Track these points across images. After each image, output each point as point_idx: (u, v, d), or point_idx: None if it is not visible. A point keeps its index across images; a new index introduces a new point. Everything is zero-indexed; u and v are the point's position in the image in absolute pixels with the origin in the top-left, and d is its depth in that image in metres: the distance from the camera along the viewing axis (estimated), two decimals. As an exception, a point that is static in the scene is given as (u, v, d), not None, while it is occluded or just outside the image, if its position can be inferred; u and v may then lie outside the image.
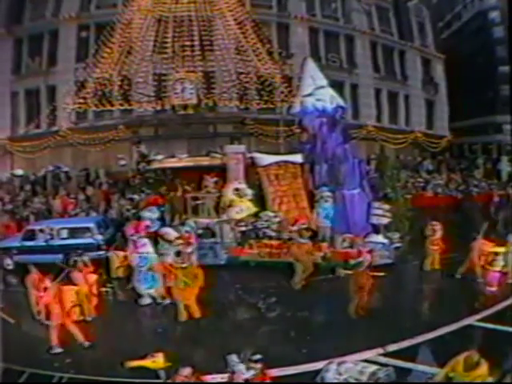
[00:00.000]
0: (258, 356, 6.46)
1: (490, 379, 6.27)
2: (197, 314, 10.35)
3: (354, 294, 10.37)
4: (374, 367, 5.92)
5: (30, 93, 30.06)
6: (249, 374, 6.34)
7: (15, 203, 21.55)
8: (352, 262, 10.80)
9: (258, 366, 6.41)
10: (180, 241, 11.95)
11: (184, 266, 10.53)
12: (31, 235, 15.12)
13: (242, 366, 6.34)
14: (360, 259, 10.58)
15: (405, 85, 34.63)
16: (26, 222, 18.27)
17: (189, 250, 11.36)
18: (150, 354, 6.68)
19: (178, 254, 10.80)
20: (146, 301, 11.62)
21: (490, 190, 24.27)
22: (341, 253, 13.56)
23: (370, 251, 11.29)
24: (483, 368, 6.21)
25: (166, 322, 10.67)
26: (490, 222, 14.57)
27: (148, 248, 11.83)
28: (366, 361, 8.14)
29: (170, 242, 12.34)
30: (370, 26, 33.34)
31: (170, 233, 12.93)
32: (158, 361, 7.15)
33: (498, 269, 10.22)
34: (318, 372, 6.75)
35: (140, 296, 11.66)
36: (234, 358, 6.54)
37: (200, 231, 14.45)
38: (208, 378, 7.13)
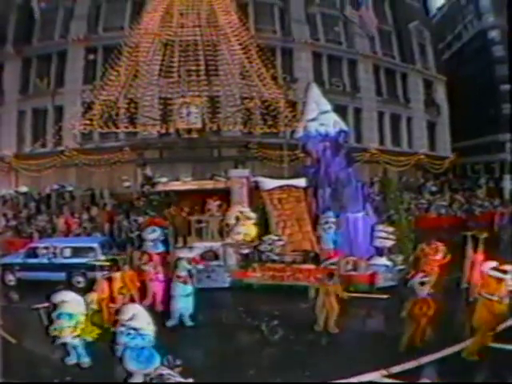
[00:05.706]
0: (179, 362, 6.49)
1: None
2: None
3: (409, 323, 9.26)
4: None
5: (36, 112, 30.60)
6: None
7: (19, 220, 21.74)
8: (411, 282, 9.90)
9: (177, 370, 6.44)
10: None
11: None
12: (34, 252, 15.19)
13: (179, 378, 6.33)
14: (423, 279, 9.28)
15: (407, 107, 34.98)
16: (29, 240, 18.44)
17: None
18: None
19: None
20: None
21: (493, 208, 24.31)
22: (344, 276, 13.60)
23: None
24: None
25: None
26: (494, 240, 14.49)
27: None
28: (370, 383, 8.15)
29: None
30: (373, 49, 33.85)
31: None
32: None
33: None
34: None
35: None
36: (166, 370, 6.50)
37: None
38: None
